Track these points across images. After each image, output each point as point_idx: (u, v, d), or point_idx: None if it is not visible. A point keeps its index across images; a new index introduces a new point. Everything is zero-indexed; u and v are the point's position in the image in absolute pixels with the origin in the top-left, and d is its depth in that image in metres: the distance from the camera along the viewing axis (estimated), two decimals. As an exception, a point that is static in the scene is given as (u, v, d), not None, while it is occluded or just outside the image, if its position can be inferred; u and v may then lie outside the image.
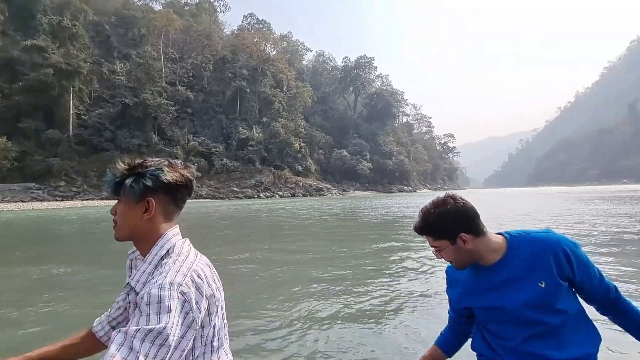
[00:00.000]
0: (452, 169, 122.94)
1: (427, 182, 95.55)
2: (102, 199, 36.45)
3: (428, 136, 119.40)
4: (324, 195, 55.92)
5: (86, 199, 37.78)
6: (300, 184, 57.51)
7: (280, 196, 51.86)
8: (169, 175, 0.85)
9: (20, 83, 40.97)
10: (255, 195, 50.40)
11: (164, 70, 58.43)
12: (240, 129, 58.13)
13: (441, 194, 1.11)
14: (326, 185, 61.80)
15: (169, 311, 0.70)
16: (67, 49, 44.65)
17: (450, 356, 1.26)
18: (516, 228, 1.15)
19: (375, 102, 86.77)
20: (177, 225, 0.91)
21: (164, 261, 0.82)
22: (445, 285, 1.24)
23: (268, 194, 51.78)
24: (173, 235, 0.87)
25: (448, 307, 1.26)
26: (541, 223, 9.72)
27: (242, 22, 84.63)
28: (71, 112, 44.85)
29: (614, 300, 1.08)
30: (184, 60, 64.26)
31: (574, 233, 7.61)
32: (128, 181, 0.85)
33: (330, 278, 4.28)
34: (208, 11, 78.77)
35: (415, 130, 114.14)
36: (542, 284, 1.01)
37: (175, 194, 0.87)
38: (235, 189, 50.79)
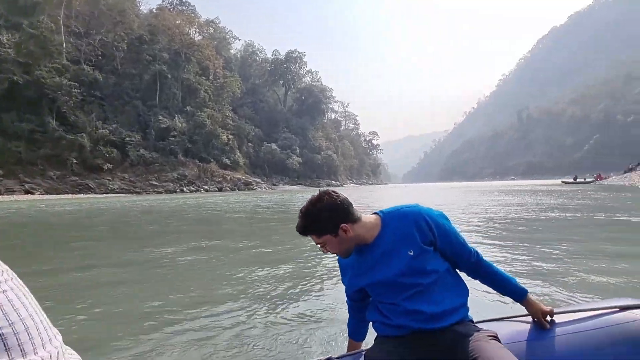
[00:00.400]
0: (376, 165, 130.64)
1: (353, 177, 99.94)
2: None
3: (354, 133, 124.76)
4: (253, 189, 54.61)
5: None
6: (228, 177, 55.26)
7: (207, 190, 49.14)
8: None
9: None
10: (178, 190, 46.89)
11: (65, 46, 50.35)
12: (161, 117, 53.29)
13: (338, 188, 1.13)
14: (255, 179, 60.44)
15: None
16: None
17: (362, 340, 1.39)
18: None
19: (305, 97, 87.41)
20: None
21: None
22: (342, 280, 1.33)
23: (193, 188, 48.64)
24: None
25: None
26: (455, 212, 10.82)
27: (163, 0, 77.40)
28: None
29: (476, 264, 1.22)
30: (90, 36, 56.15)
31: (481, 218, 8.65)
32: None
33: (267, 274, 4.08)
34: (120, -17, 70.17)
35: (342, 127, 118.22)
36: (410, 252, 1.13)
37: None
38: (155, 182, 46.58)
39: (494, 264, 1.26)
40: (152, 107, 54.92)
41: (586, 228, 7.04)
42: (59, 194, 36.33)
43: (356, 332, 1.37)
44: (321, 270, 4.02)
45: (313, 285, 3.44)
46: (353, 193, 33.93)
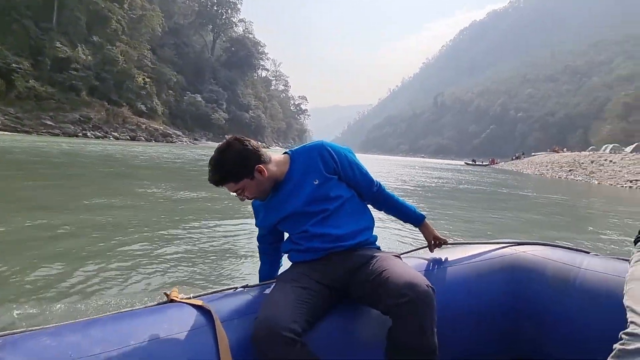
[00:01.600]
0: (303, 130, 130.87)
1: (280, 140, 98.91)
2: None
3: (284, 95, 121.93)
4: (172, 142, 50.40)
5: None
6: (144, 126, 49.83)
7: (117, 138, 43.65)
8: None
9: None
10: (80, 133, 40.69)
11: None
12: (59, 44, 44.43)
13: (220, 142, 1.23)
14: (175, 131, 55.72)
15: None
16: None
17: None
18: None
19: (236, 48, 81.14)
20: None
21: None
22: (255, 222, 1.36)
23: (99, 134, 42.75)
24: None
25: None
26: (395, 181, 11.84)
27: None
28: None
29: (378, 193, 1.34)
30: None
31: (417, 186, 9.71)
32: None
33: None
34: None
35: (272, 87, 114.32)
36: (316, 181, 1.19)
37: None
38: (50, 122, 39.57)
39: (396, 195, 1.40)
40: (48, 31, 45.25)
41: (489, 195, 9.34)
42: None
43: (267, 277, 1.36)
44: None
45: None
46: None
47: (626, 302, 0.95)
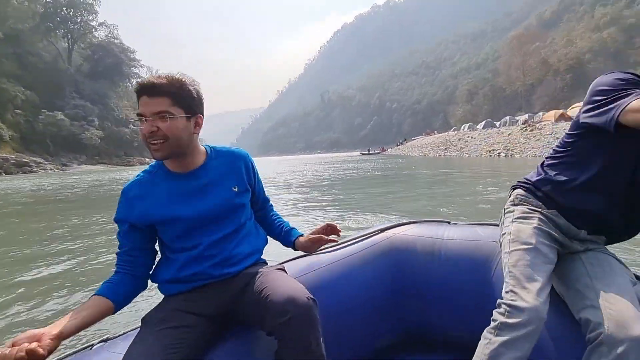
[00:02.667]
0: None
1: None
2: None
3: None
4: (32, 172, 41.37)
5: None
6: (-14, 157, 39.74)
7: (-55, 177, 33.78)
8: None
9: None
10: None
11: None
12: None
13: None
14: (34, 158, 45.95)
15: None
16: None
17: (120, 308, 0.97)
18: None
19: (100, 55, 70.83)
20: None
21: None
22: (117, 215, 1.02)
23: None
24: None
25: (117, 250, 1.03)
26: (293, 182, 12.22)
27: None
28: None
29: (268, 210, 1.29)
30: None
31: (330, 179, 10.25)
32: None
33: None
34: None
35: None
36: (235, 188, 1.07)
37: None
38: None
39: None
40: None
41: (391, 178, 11.24)
42: None
43: (116, 292, 0.96)
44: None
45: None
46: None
47: (507, 266, 0.93)
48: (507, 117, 36.03)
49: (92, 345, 0.94)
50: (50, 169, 45.22)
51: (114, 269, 1.00)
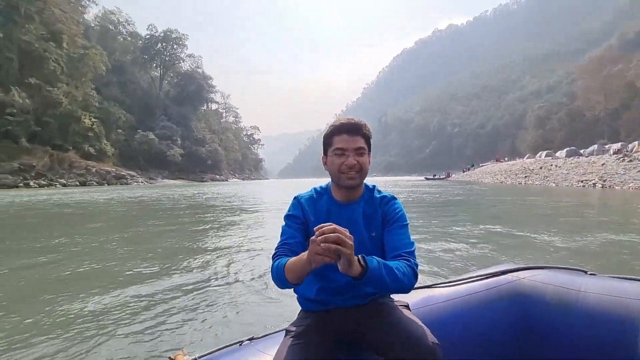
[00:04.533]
0: (258, 160, 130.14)
1: (236, 172, 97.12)
2: None
3: (235, 126, 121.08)
4: (127, 184, 47.28)
5: None
6: (94, 170, 46.32)
7: (64, 185, 39.99)
8: None
9: None
10: (21, 184, 36.70)
11: None
12: (-11, 88, 40.58)
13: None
14: (129, 172, 52.46)
15: None
16: None
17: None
18: None
19: (185, 82, 79.98)
20: None
21: None
22: (287, 212, 1.18)
23: (43, 182, 38.88)
24: None
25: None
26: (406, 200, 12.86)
27: None
28: None
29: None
30: None
31: (413, 202, 10.56)
32: None
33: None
34: None
35: (223, 119, 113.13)
36: (373, 234, 1.14)
37: None
38: (-17, 174, 35.41)
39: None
40: (-26, 74, 41.21)
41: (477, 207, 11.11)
42: None
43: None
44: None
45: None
46: (246, 187, 33.39)
47: None
48: (595, 145, 33.33)
49: (242, 342, 1.10)
50: (141, 182, 51.24)
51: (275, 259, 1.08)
